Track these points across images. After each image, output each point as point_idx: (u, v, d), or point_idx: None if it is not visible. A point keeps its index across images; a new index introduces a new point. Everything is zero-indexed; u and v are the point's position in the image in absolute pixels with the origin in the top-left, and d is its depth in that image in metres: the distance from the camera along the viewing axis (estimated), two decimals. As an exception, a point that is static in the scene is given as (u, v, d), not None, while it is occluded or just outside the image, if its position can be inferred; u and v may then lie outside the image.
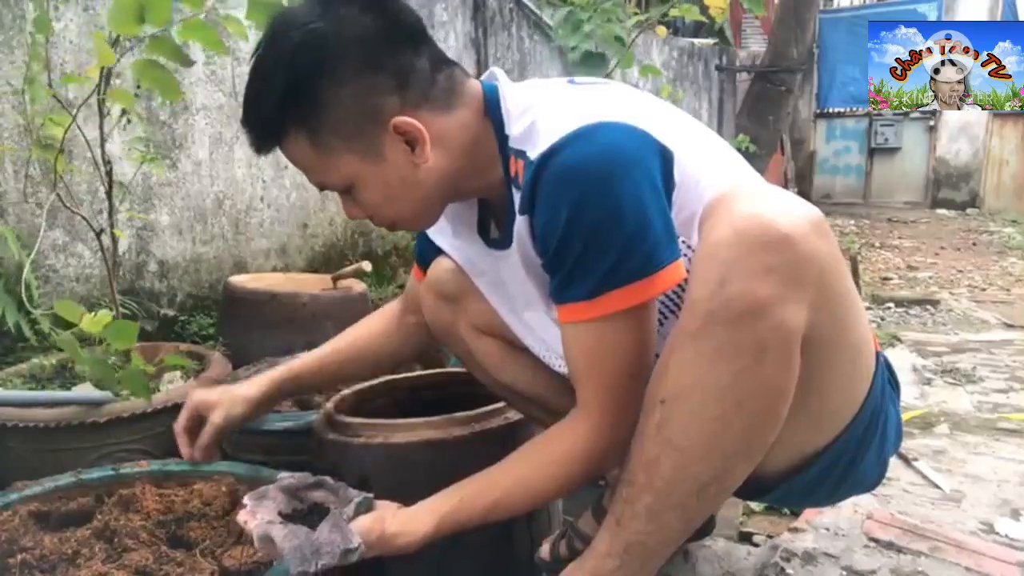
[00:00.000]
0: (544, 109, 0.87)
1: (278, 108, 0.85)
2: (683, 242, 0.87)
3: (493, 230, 1.03)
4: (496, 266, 1.01)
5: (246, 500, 0.92)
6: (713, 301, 0.74)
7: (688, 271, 0.80)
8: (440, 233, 1.11)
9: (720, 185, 0.88)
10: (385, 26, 0.86)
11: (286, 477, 0.98)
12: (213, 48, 1.38)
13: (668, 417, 0.79)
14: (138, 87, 1.44)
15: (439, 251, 1.15)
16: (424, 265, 1.20)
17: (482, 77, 0.97)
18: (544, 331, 1.03)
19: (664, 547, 0.86)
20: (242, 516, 0.91)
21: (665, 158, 0.83)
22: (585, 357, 0.86)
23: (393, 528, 0.90)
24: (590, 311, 0.83)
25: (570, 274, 0.83)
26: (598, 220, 0.79)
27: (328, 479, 0.98)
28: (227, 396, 1.17)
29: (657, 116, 0.88)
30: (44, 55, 1.56)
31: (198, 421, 1.16)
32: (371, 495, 0.95)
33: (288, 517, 0.93)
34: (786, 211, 0.75)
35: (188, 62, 1.40)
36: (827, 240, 0.78)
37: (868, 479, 1.01)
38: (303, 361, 1.24)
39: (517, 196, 0.89)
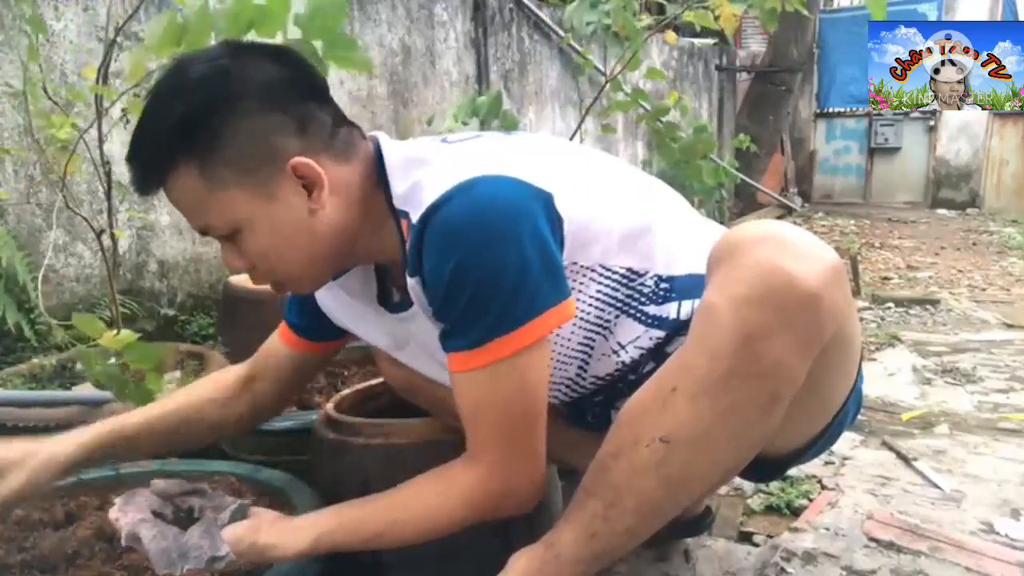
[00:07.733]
0: (425, 171, 0.87)
1: (171, 136, 0.83)
2: (576, 263, 0.90)
3: (395, 294, 1.03)
4: (404, 328, 1.02)
5: (117, 500, 0.91)
6: (736, 357, 0.78)
7: (699, 304, 0.83)
8: (338, 310, 1.08)
9: (630, 206, 0.95)
10: (291, 76, 0.87)
11: (160, 482, 0.94)
12: None
13: (672, 458, 0.82)
14: (136, 96, 1.43)
15: (317, 316, 1.10)
16: (296, 327, 1.13)
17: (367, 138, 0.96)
18: None
19: (630, 548, 0.93)
20: (113, 513, 0.89)
21: (544, 200, 0.85)
22: (473, 404, 0.87)
23: (268, 539, 0.89)
24: (475, 360, 0.84)
25: (455, 326, 0.85)
26: (479, 275, 0.81)
27: (205, 486, 0.96)
28: (34, 459, 0.96)
29: (532, 159, 0.91)
30: (39, 56, 1.55)
31: None
32: (247, 502, 0.94)
33: (163, 518, 0.91)
34: (809, 263, 0.78)
35: None
36: (844, 286, 0.82)
37: (848, 422, 1.07)
38: (133, 420, 1.08)
39: None
